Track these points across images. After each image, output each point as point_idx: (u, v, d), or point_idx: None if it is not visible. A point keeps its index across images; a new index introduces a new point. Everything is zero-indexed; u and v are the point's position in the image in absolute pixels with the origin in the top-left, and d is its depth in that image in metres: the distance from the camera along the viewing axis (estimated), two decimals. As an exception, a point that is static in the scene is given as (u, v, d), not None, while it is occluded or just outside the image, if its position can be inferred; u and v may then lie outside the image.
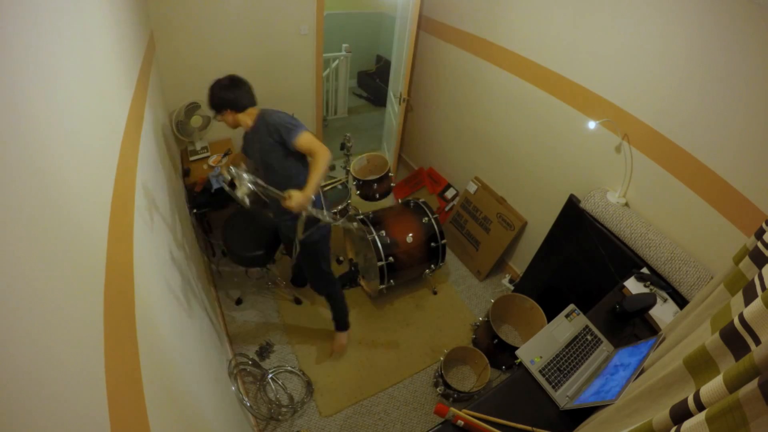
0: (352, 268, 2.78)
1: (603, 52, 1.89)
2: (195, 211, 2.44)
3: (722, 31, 1.45)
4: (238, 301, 2.52)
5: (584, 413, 1.24)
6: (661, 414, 0.73)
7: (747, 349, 0.70)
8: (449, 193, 3.34)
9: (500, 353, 2.25)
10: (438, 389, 2.16)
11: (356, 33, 4.90)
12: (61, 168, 0.64)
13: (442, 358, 2.16)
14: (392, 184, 2.75)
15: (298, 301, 2.61)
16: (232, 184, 1.58)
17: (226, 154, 2.75)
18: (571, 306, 1.61)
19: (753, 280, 0.84)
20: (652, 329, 1.60)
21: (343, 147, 2.53)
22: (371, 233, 2.36)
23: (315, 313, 2.57)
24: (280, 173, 1.75)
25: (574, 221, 2.08)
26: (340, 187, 2.58)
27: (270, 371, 2.19)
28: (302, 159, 1.76)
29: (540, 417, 1.27)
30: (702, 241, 1.69)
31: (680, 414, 0.69)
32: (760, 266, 0.89)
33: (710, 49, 1.50)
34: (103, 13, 1.18)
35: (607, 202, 1.93)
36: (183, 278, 1.55)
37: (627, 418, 0.98)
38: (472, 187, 2.94)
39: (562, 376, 1.39)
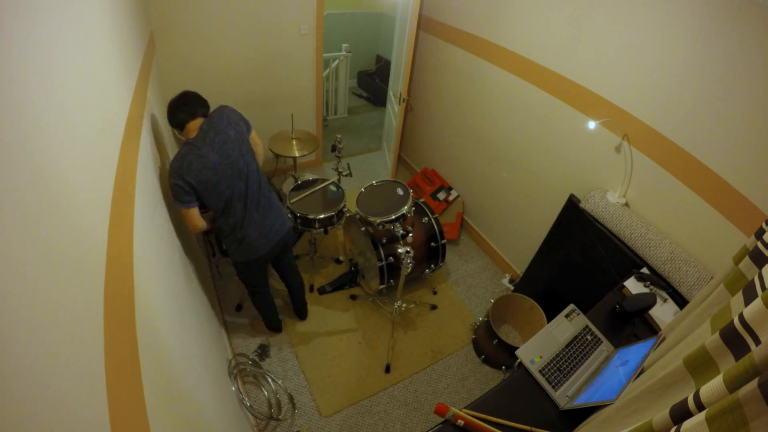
0: (352, 268, 2.79)
1: (603, 52, 1.89)
2: (195, 211, 2.44)
3: (722, 31, 1.45)
4: (238, 308, 2.52)
5: (584, 413, 1.24)
6: (661, 414, 0.73)
7: (747, 349, 0.70)
8: (441, 195, 3.32)
9: (500, 353, 2.25)
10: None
11: (356, 33, 4.90)
12: (62, 168, 0.64)
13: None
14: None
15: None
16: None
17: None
18: (571, 306, 1.61)
19: (753, 280, 0.84)
20: (652, 329, 1.60)
21: (334, 149, 2.54)
22: (370, 233, 2.36)
23: (314, 312, 2.57)
24: (263, 175, 1.82)
25: (574, 221, 2.08)
26: (333, 188, 2.57)
27: (269, 371, 2.19)
28: None
29: (540, 417, 1.27)
30: (702, 241, 1.69)
31: (680, 414, 0.69)
32: (760, 266, 0.89)
33: (710, 48, 1.50)
34: (103, 13, 1.18)
35: (607, 202, 1.93)
36: (183, 278, 1.55)
37: (627, 418, 0.98)
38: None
39: (562, 376, 1.39)
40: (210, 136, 1.57)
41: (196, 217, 1.63)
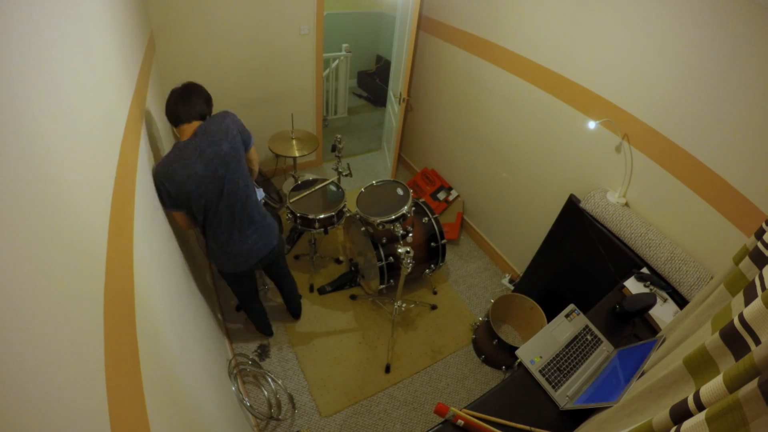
0: (352, 268, 2.79)
1: (603, 52, 1.89)
2: (195, 211, 2.43)
3: (721, 31, 1.45)
4: (238, 308, 2.52)
5: (584, 413, 1.24)
6: (661, 414, 0.73)
7: (747, 349, 0.70)
8: (441, 195, 3.32)
9: (500, 353, 2.25)
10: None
11: (356, 33, 4.90)
12: (62, 168, 0.64)
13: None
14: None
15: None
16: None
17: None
18: (571, 306, 1.61)
19: (754, 281, 0.84)
20: (652, 329, 1.60)
21: (334, 149, 2.54)
22: (370, 233, 2.36)
23: (314, 312, 2.57)
24: (252, 191, 1.74)
25: (574, 221, 2.08)
26: (333, 188, 2.57)
27: (269, 371, 2.19)
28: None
29: (540, 417, 1.27)
30: (702, 241, 1.69)
31: (680, 414, 0.69)
32: (760, 266, 0.89)
33: (710, 48, 1.50)
34: (103, 13, 1.18)
35: (607, 202, 1.93)
36: (183, 278, 1.55)
37: (627, 418, 0.98)
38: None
39: (562, 376, 1.39)
40: (201, 146, 1.49)
41: (181, 220, 1.60)
